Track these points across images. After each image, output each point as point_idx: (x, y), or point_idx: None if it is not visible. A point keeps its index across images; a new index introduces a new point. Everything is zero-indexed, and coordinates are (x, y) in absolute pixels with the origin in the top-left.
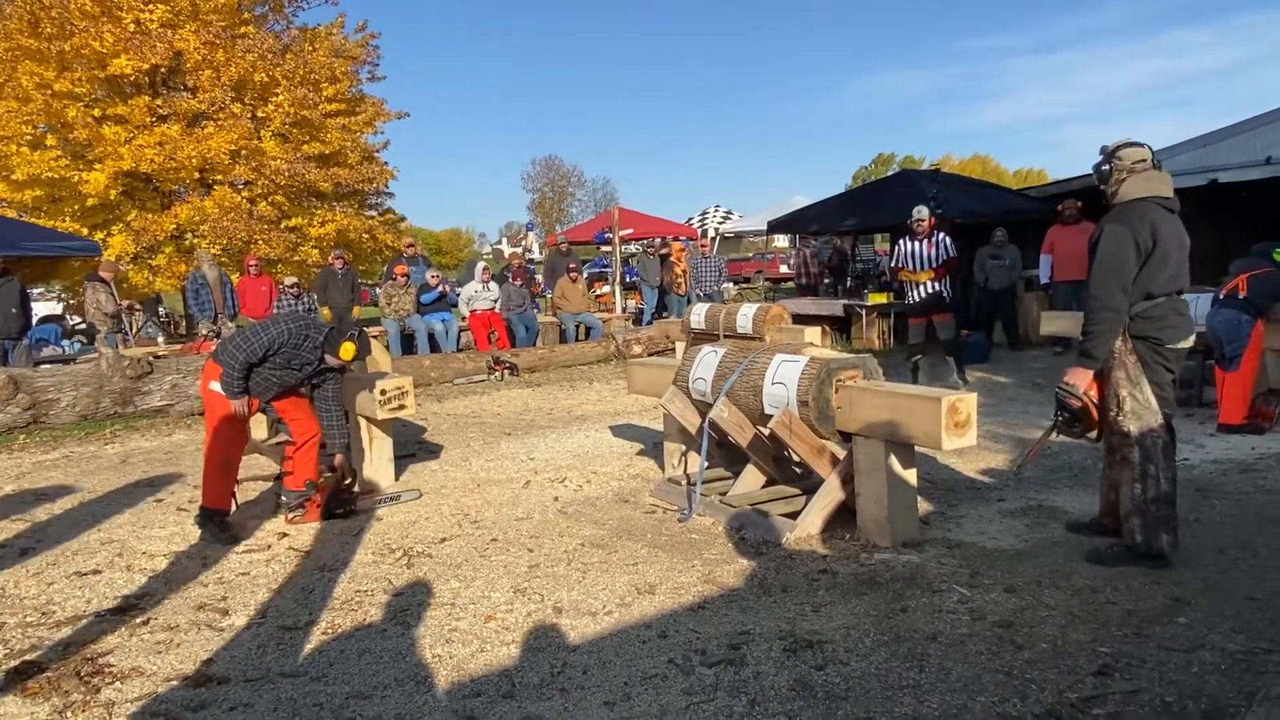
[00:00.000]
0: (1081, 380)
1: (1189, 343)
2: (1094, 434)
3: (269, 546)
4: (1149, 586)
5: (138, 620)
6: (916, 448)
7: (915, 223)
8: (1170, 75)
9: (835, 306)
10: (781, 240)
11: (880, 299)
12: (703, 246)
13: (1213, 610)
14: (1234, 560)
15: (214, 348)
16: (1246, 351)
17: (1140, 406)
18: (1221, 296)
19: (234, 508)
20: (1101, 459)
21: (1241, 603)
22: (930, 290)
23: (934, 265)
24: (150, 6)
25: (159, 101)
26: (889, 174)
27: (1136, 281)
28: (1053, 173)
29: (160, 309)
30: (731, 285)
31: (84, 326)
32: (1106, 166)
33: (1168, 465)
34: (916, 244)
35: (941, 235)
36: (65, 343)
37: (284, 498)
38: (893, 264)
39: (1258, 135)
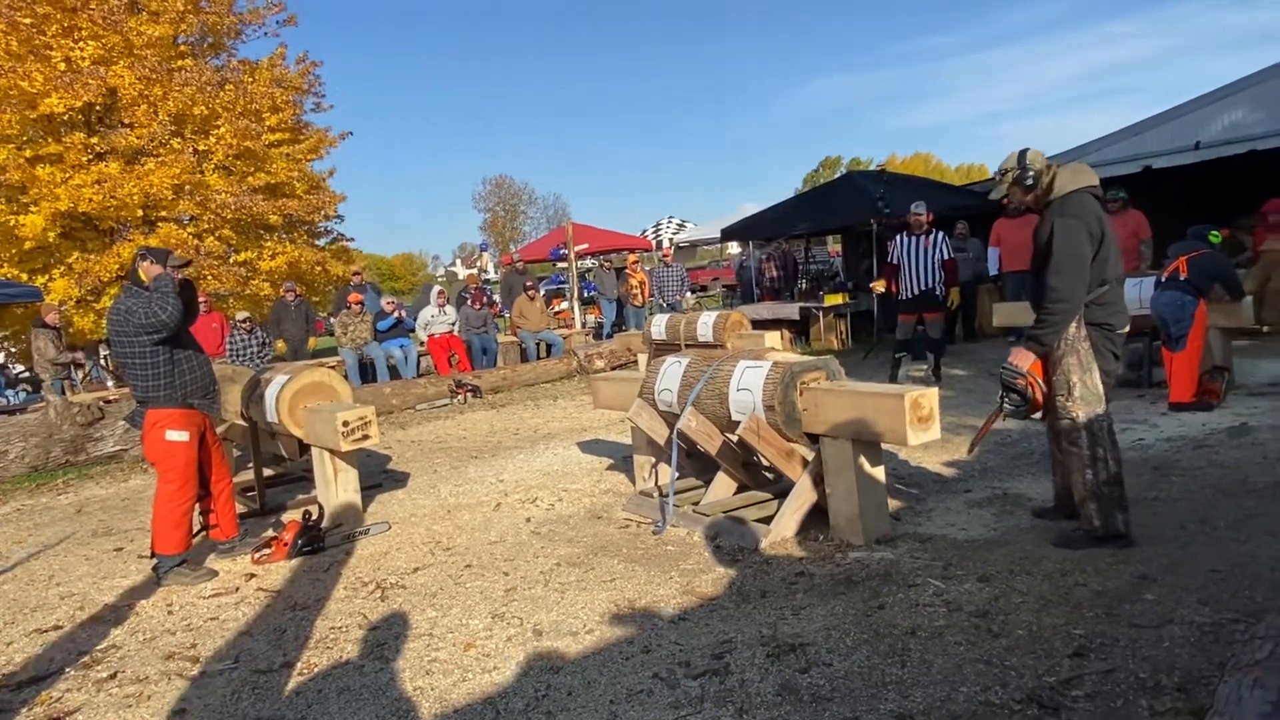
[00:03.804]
0: (1024, 361)
1: (1128, 327)
2: (1038, 414)
3: (237, 589)
4: (1116, 566)
5: (104, 675)
6: (883, 445)
7: (914, 217)
8: (1101, 66)
9: (792, 310)
10: (735, 248)
11: (837, 300)
12: (665, 255)
13: (1178, 585)
14: (1194, 535)
15: (136, 400)
16: (1191, 331)
17: (1089, 393)
18: (1163, 279)
19: (192, 546)
20: (1050, 440)
21: (1205, 576)
22: (923, 288)
23: (932, 263)
24: (80, 44)
25: (95, 139)
26: (836, 176)
27: (1091, 269)
28: (993, 167)
29: (103, 351)
30: (690, 295)
31: (29, 375)
32: (1030, 175)
33: (1114, 447)
34: (914, 240)
35: (940, 234)
36: (9, 392)
37: (220, 548)
38: (890, 260)
39: (1187, 122)
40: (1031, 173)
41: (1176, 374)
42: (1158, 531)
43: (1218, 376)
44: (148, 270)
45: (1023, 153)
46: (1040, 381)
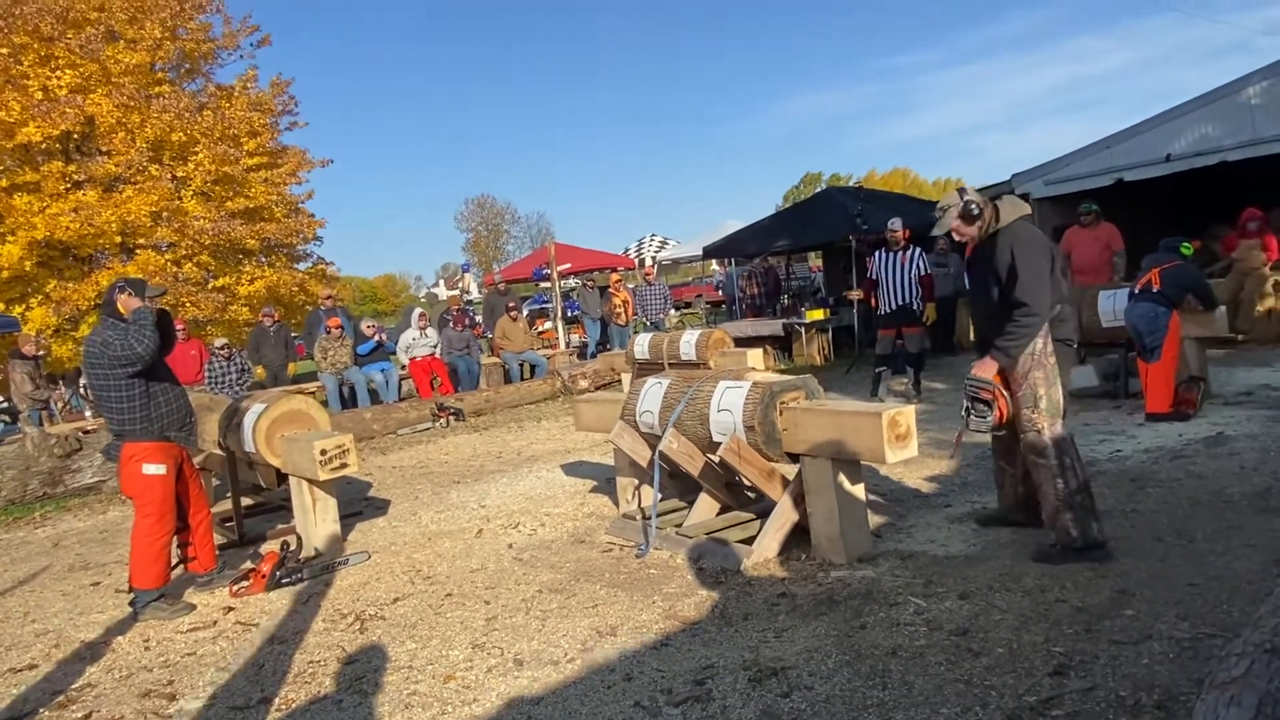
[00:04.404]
0: (988, 372)
1: (1078, 342)
2: (1000, 427)
3: (215, 623)
4: (1095, 581)
5: (79, 715)
6: (862, 462)
7: (890, 234)
8: (1074, 80)
9: (775, 326)
10: (715, 264)
11: (818, 315)
12: (647, 274)
13: (1157, 600)
14: (1172, 548)
15: (111, 433)
16: (1166, 342)
17: (1052, 405)
18: (1137, 291)
19: (170, 580)
20: (996, 455)
21: (1183, 590)
22: (901, 303)
23: (909, 278)
24: (57, 73)
25: (73, 168)
26: (815, 193)
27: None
28: (970, 181)
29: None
30: (674, 311)
31: (6, 406)
32: (974, 206)
33: (1078, 455)
34: (892, 256)
35: (918, 250)
36: None
37: (198, 580)
38: (869, 275)
39: (1158, 134)
40: (975, 204)
41: (1152, 385)
42: (1136, 544)
43: (1193, 386)
44: (126, 304)
45: (961, 189)
46: (1005, 393)
